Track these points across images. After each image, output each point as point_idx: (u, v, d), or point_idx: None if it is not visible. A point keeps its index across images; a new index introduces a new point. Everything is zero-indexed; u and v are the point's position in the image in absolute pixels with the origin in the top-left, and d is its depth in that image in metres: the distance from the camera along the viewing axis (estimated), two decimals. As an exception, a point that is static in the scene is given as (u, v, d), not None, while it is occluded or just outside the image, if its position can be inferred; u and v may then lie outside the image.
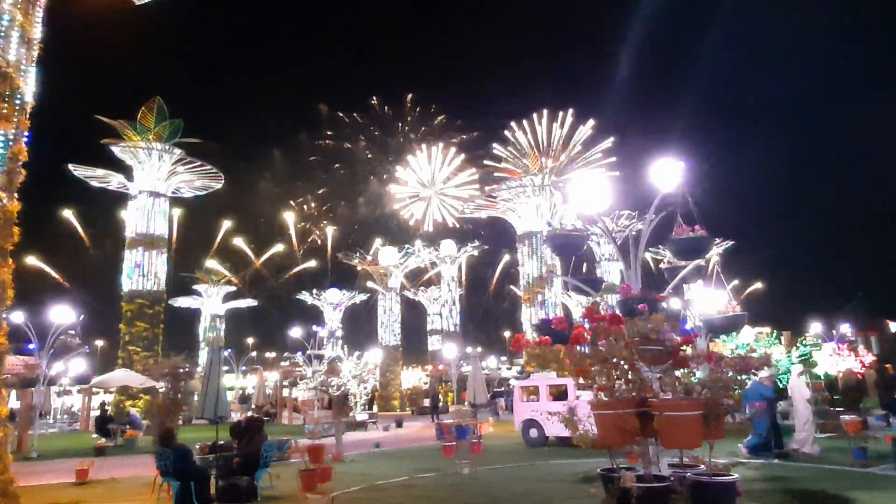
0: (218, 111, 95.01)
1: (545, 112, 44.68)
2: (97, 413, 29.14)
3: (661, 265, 9.25)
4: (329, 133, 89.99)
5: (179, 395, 17.79)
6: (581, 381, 6.54)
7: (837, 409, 19.87)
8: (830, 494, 9.45)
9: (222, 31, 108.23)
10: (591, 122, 44.36)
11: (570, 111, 44.49)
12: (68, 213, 62.18)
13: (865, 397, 21.21)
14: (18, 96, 8.72)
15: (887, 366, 22.75)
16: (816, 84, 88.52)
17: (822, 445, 15.31)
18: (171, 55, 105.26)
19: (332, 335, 49.17)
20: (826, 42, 79.09)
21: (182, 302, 56.62)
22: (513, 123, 45.30)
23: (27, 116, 8.91)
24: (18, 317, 21.23)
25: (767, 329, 19.34)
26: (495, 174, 46.72)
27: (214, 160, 42.44)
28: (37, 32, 9.31)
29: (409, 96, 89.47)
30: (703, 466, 6.48)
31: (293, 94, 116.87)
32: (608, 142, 44.35)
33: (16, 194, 8.80)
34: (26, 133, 8.90)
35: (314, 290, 55.59)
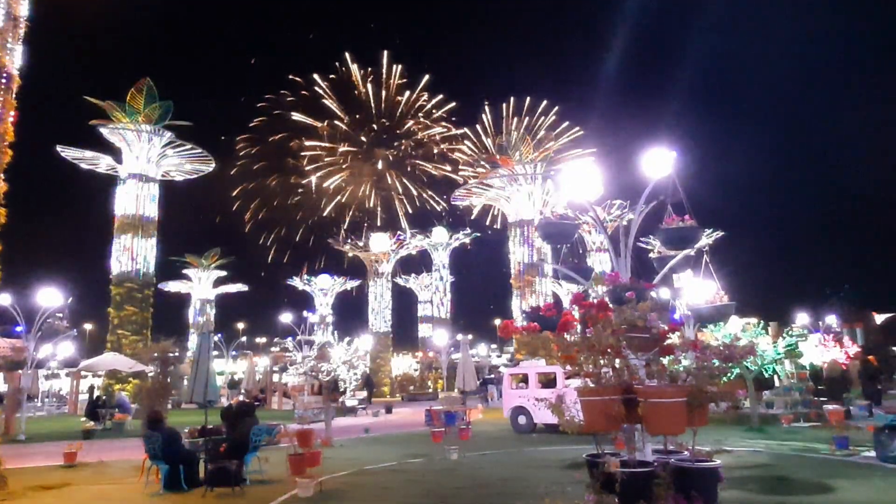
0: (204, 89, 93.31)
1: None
2: (87, 397, 29.06)
3: (651, 255, 9.30)
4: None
5: (168, 380, 17.80)
6: (568, 367, 6.59)
7: (821, 398, 20.18)
8: (812, 482, 9.61)
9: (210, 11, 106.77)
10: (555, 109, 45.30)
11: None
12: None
13: (849, 387, 21.51)
14: (4, 75, 8.60)
15: (870, 357, 23.04)
16: (804, 76, 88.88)
17: (806, 435, 15.56)
18: (161, 35, 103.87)
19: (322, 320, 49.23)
20: (815, 31, 79.23)
21: (172, 286, 56.44)
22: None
23: (13, 96, 8.79)
24: (6, 299, 21.08)
25: (754, 319, 19.49)
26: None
27: (205, 140, 42.12)
28: (23, 9, 9.17)
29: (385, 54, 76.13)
30: (686, 453, 6.57)
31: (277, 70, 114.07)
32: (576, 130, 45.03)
33: (2, 175, 8.72)
34: (12, 113, 8.78)
35: (305, 276, 55.61)
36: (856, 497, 8.67)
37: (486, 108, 58.81)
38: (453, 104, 73.15)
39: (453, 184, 56.16)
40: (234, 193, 71.16)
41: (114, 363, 28.12)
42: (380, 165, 72.04)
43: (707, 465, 6.23)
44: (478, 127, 61.30)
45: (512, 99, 57.71)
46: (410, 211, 70.63)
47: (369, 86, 74.18)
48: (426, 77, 74.31)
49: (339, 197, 71.91)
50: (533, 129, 49.36)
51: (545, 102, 56.29)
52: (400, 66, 74.56)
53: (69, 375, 38.06)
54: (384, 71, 74.71)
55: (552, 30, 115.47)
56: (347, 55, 74.00)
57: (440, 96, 74.59)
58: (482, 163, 51.22)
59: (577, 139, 54.39)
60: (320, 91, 72.86)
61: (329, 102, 73.03)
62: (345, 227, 59.85)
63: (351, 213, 71.83)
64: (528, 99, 54.38)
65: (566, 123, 55.88)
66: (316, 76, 72.68)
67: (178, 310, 58.62)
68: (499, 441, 16.69)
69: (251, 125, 72.12)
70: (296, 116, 71.06)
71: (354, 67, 73.67)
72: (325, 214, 71.43)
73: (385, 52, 75.02)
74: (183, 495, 9.95)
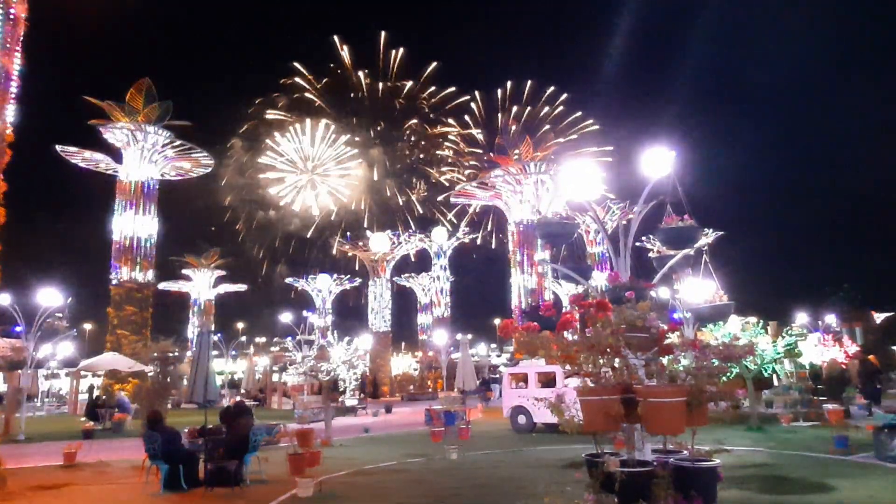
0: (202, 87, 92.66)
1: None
2: (87, 397, 29.06)
3: (651, 254, 9.31)
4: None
5: (168, 379, 17.80)
6: (568, 367, 6.59)
7: (821, 398, 20.19)
8: (811, 481, 9.61)
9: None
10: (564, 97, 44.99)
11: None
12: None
13: (848, 387, 21.51)
14: (3, 75, 8.60)
15: (870, 356, 23.03)
16: (804, 76, 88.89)
17: (805, 434, 15.57)
18: (161, 36, 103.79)
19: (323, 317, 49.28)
20: (816, 31, 79.23)
21: (172, 286, 56.47)
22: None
23: (12, 96, 8.78)
24: (6, 299, 21.07)
25: (754, 319, 19.49)
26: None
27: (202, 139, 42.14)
28: (23, 10, 9.16)
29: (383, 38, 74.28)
30: (685, 452, 6.57)
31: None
32: (590, 124, 44.80)
33: (1, 175, 8.72)
34: (11, 113, 8.78)
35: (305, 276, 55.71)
36: (855, 496, 8.67)
37: (477, 95, 57.96)
38: (466, 98, 70.87)
39: (456, 185, 55.90)
40: (227, 202, 70.89)
41: (113, 363, 28.11)
42: (375, 175, 71.37)
43: (706, 465, 6.23)
44: (467, 118, 60.56)
45: (509, 84, 56.24)
46: (410, 221, 70.17)
47: (362, 76, 72.61)
48: (432, 65, 71.65)
49: (331, 203, 71.42)
50: (534, 122, 49.25)
51: (552, 88, 54.81)
52: (401, 51, 72.35)
53: (69, 375, 38.04)
54: (380, 56, 73.03)
55: (551, 29, 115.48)
56: (336, 38, 71.89)
57: (451, 89, 71.94)
58: (477, 162, 51.25)
59: (577, 133, 54.10)
60: (306, 85, 71.84)
61: (316, 98, 72.08)
62: (339, 232, 59.67)
63: (345, 217, 71.49)
64: (529, 84, 53.19)
65: (578, 114, 54.60)
66: (298, 65, 71.16)
67: (178, 310, 58.68)
68: (498, 441, 16.70)
69: (241, 131, 71.63)
70: (271, 115, 70.16)
71: (346, 54, 71.84)
72: (317, 221, 70.94)
73: (382, 34, 72.66)
74: (183, 495, 9.95)
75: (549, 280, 42.08)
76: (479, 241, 56.95)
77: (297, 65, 71.98)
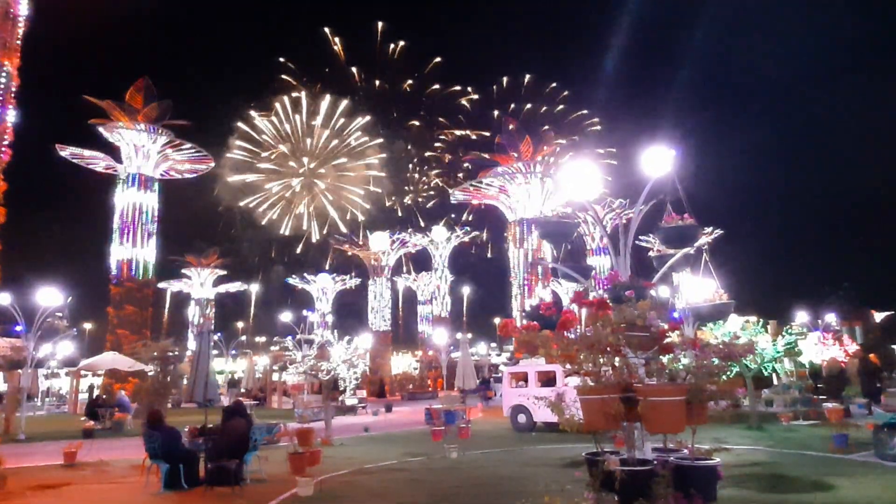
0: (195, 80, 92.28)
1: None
2: (87, 396, 29.07)
3: (651, 253, 9.31)
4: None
5: (168, 379, 17.78)
6: (568, 366, 6.60)
7: (821, 396, 20.20)
8: (811, 480, 9.61)
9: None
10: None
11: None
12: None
13: (848, 386, 21.53)
14: (4, 74, 8.59)
15: (870, 355, 23.05)
16: (804, 75, 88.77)
17: (805, 433, 15.57)
18: (160, 34, 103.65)
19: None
20: (819, 30, 79.19)
21: (172, 285, 56.47)
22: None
23: (12, 95, 8.78)
24: (6, 299, 21.07)
25: (754, 318, 19.50)
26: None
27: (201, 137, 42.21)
28: (23, 9, 9.16)
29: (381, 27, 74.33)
30: (686, 451, 6.58)
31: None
32: (592, 121, 44.83)
33: (1, 174, 8.71)
34: (11, 112, 8.78)
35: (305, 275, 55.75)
36: (854, 495, 8.67)
37: (473, 93, 57.74)
38: (465, 97, 69.80)
39: (454, 186, 55.83)
40: (223, 205, 70.84)
41: (113, 362, 28.12)
42: (371, 183, 71.07)
43: (706, 464, 6.23)
44: (467, 117, 60.05)
45: (505, 80, 55.57)
46: (408, 223, 70.15)
47: (359, 77, 71.99)
48: (434, 61, 70.42)
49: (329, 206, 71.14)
50: (535, 120, 49.32)
51: (553, 85, 54.20)
52: (401, 43, 71.05)
53: (69, 375, 38.06)
54: (377, 50, 72.15)
55: (550, 28, 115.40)
56: (327, 31, 70.66)
57: (456, 87, 71.06)
58: (474, 163, 51.27)
59: (578, 132, 53.98)
60: (302, 86, 71.48)
61: (312, 102, 71.75)
62: (334, 236, 59.73)
63: (345, 220, 71.33)
64: (528, 79, 52.81)
65: (582, 112, 54.18)
66: (294, 66, 70.44)
67: (178, 309, 58.71)
68: (498, 440, 16.70)
69: (237, 134, 71.44)
70: (264, 117, 69.78)
71: (338, 48, 70.95)
72: (311, 232, 70.75)
73: (379, 24, 71.27)
74: (183, 494, 9.95)
75: (548, 280, 42.10)
76: (474, 248, 56.88)
77: (292, 65, 71.91)
